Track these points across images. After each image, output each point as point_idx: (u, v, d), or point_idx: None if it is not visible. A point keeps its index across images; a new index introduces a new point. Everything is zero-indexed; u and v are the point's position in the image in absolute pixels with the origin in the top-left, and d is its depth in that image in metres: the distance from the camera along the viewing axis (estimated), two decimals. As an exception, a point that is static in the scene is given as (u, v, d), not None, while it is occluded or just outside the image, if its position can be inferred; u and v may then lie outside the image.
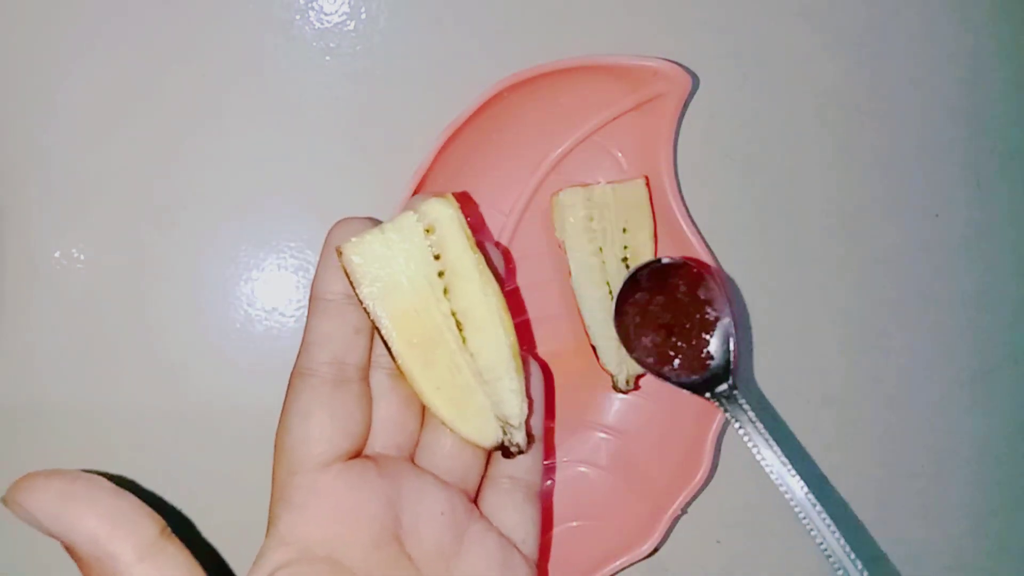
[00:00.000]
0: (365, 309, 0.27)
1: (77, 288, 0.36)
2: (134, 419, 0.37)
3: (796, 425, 0.40)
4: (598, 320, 0.36)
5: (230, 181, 0.37)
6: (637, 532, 0.36)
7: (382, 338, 0.27)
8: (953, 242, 0.42)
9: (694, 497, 0.36)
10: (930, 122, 0.41)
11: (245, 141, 0.37)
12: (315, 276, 0.28)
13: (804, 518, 0.29)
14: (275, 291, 0.37)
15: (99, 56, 0.36)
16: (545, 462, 0.36)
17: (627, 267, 0.37)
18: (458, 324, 0.28)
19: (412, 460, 0.29)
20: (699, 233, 0.36)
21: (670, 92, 0.34)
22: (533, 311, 0.38)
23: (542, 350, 0.38)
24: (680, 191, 0.36)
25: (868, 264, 0.41)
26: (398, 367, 0.27)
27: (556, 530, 0.37)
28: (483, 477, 0.30)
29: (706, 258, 0.36)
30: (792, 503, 0.30)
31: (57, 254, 0.36)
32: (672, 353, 0.32)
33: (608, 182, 0.37)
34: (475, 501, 0.30)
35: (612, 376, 0.36)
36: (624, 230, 0.37)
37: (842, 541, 0.28)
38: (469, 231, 0.27)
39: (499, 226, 0.37)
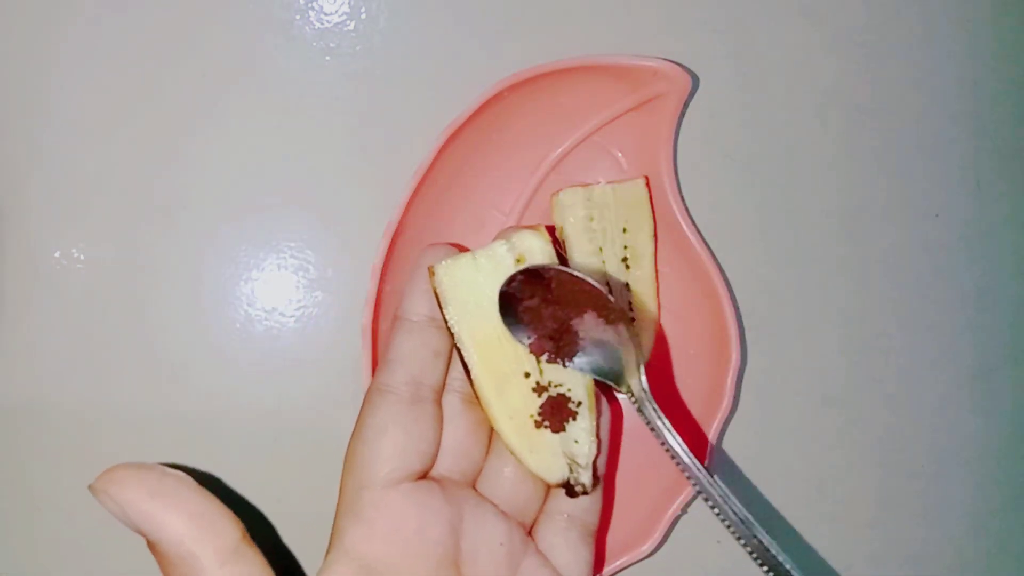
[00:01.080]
0: (450, 330, 0.27)
1: (77, 288, 0.36)
2: (134, 419, 0.37)
3: (796, 425, 0.40)
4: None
5: (230, 181, 0.37)
6: (637, 532, 0.36)
7: (462, 361, 0.27)
8: (953, 242, 0.42)
9: (694, 497, 0.36)
10: (930, 122, 0.41)
11: (245, 141, 0.37)
12: (404, 297, 0.29)
13: (722, 517, 0.29)
14: (275, 291, 0.37)
15: (99, 56, 0.36)
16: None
17: (627, 267, 0.37)
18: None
19: (474, 487, 0.29)
20: (699, 233, 0.36)
21: (670, 92, 0.34)
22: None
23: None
24: (680, 191, 0.36)
25: (868, 264, 0.41)
26: (475, 391, 0.28)
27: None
28: (540, 511, 0.30)
29: (706, 258, 0.36)
30: (709, 503, 0.29)
31: (57, 254, 0.36)
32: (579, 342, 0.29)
33: (608, 182, 0.37)
34: (530, 534, 0.30)
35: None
36: (624, 230, 0.37)
37: (767, 541, 0.28)
38: (557, 263, 0.28)
39: (499, 226, 0.37)
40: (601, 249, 0.36)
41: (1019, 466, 0.43)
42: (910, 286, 0.41)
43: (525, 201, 0.37)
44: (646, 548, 0.35)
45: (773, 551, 0.26)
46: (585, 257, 0.36)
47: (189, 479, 0.24)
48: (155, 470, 0.24)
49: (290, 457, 0.37)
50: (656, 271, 0.37)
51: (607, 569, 0.36)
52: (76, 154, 0.36)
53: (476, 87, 0.34)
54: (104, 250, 0.37)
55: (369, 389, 0.28)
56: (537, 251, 0.28)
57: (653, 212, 0.37)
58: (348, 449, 0.28)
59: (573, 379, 0.28)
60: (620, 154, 0.37)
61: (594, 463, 0.28)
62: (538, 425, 0.28)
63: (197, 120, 0.37)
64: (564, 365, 0.28)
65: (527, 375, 0.28)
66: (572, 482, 0.28)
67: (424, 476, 0.28)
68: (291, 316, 0.37)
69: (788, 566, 0.26)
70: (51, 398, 0.36)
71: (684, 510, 0.36)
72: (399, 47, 0.37)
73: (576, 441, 0.28)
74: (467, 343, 0.27)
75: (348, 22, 0.37)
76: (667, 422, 0.28)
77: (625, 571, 0.36)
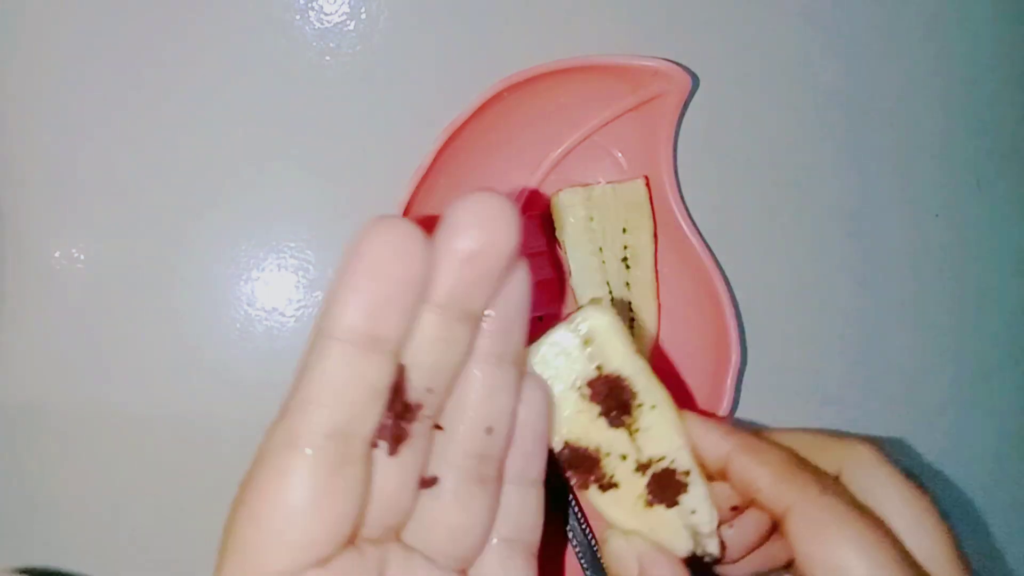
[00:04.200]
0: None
1: (77, 288, 0.36)
2: (133, 419, 0.37)
3: (796, 425, 0.40)
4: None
5: (230, 181, 0.37)
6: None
7: (553, 461, 0.25)
8: (953, 242, 0.42)
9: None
10: (930, 122, 0.41)
11: (245, 141, 0.37)
12: (325, 302, 0.20)
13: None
14: (275, 291, 0.37)
15: (99, 56, 0.36)
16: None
17: (627, 267, 0.37)
18: (630, 434, 0.26)
19: (398, 535, 0.23)
20: (699, 233, 0.36)
21: (670, 92, 0.34)
22: (533, 311, 0.38)
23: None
24: (680, 191, 0.36)
25: (868, 264, 0.41)
26: (571, 488, 0.26)
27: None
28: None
29: (706, 258, 0.36)
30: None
31: (57, 254, 0.36)
32: None
33: (608, 182, 0.37)
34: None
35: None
36: (624, 230, 0.37)
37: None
38: (629, 336, 0.26)
39: (499, 226, 0.37)
40: (601, 249, 0.36)
41: (1019, 466, 0.43)
42: (910, 286, 0.41)
43: (525, 201, 0.37)
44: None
45: None
46: (585, 257, 0.36)
47: None
48: None
49: (290, 457, 0.37)
50: (656, 271, 0.37)
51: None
52: (76, 154, 0.36)
53: (476, 87, 0.34)
54: (104, 250, 0.37)
55: (273, 437, 0.20)
56: (603, 329, 0.25)
57: (653, 212, 0.37)
58: (231, 520, 0.20)
59: (673, 447, 0.26)
60: (620, 154, 0.37)
61: (718, 529, 0.27)
62: (649, 504, 0.26)
63: (197, 120, 0.37)
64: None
65: (624, 457, 0.26)
66: (700, 553, 0.26)
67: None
68: (291, 316, 0.37)
69: None
70: (51, 398, 0.36)
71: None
72: (399, 47, 0.37)
73: (694, 512, 0.26)
74: (554, 443, 0.25)
75: (348, 22, 0.37)
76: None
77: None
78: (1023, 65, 0.42)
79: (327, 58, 0.37)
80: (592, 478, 0.26)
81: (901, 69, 0.41)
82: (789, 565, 0.28)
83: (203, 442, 0.37)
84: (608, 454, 0.26)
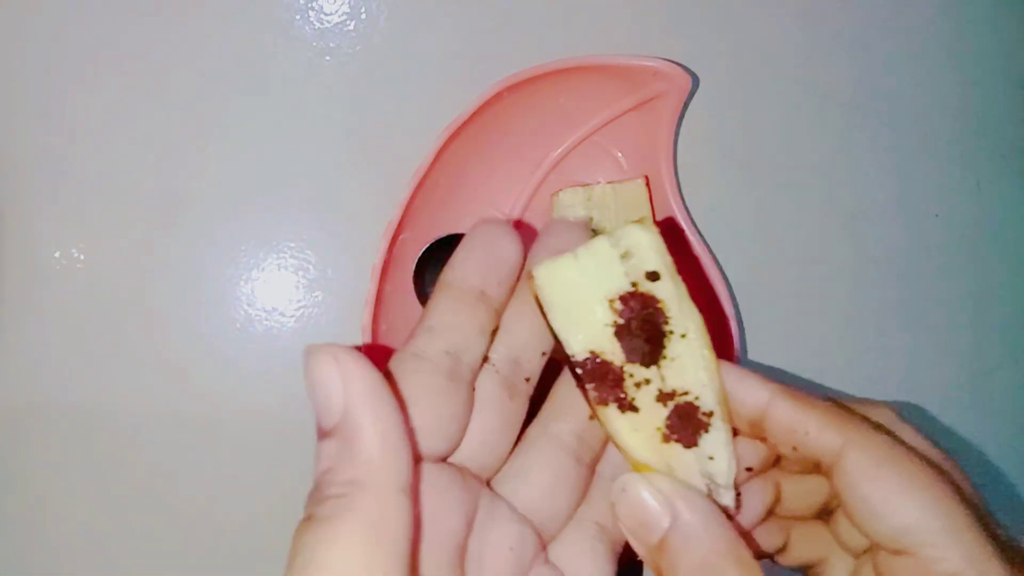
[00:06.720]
0: (555, 337, 0.24)
1: (77, 288, 0.36)
2: (134, 419, 0.37)
3: (796, 425, 0.40)
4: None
5: (230, 181, 0.37)
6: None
7: (573, 373, 0.24)
8: (953, 242, 0.42)
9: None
10: (930, 122, 0.41)
11: (245, 141, 0.37)
12: (453, 262, 0.25)
13: None
14: (275, 291, 0.37)
15: (100, 56, 0.36)
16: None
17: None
18: (657, 362, 0.24)
19: (488, 484, 0.26)
20: (699, 233, 0.36)
21: (670, 92, 0.34)
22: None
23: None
24: (680, 191, 0.36)
25: (868, 264, 0.41)
26: (589, 403, 0.24)
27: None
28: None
29: (706, 258, 0.36)
30: None
31: (57, 254, 0.36)
32: None
33: (608, 182, 0.37)
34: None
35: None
36: (624, 230, 0.37)
37: None
38: (670, 258, 0.24)
39: (499, 226, 0.37)
40: (601, 249, 0.36)
41: (1019, 466, 0.43)
42: (910, 286, 0.41)
43: (525, 200, 0.37)
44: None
45: None
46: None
47: None
48: None
49: (290, 457, 0.37)
50: (656, 271, 0.37)
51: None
52: (76, 154, 0.36)
53: (476, 87, 0.34)
54: (104, 250, 0.37)
55: (399, 356, 0.24)
56: (644, 245, 0.24)
57: (653, 212, 0.37)
58: None
59: (699, 383, 0.24)
60: (620, 154, 0.37)
61: (735, 481, 0.25)
62: (666, 439, 0.24)
63: (197, 120, 0.37)
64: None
65: (647, 381, 0.24)
66: None
67: (443, 460, 0.24)
68: (291, 316, 0.37)
69: None
70: (51, 398, 0.36)
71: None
72: (399, 47, 0.37)
73: (711, 457, 0.24)
74: (577, 352, 0.24)
75: (348, 22, 0.37)
76: None
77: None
78: (1023, 65, 0.42)
79: (327, 58, 0.37)
80: (612, 396, 0.24)
81: (901, 69, 0.41)
82: (776, 553, 0.27)
83: (203, 441, 0.37)
84: (631, 375, 0.24)
